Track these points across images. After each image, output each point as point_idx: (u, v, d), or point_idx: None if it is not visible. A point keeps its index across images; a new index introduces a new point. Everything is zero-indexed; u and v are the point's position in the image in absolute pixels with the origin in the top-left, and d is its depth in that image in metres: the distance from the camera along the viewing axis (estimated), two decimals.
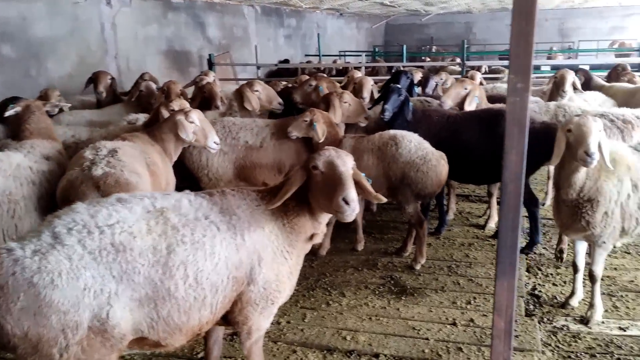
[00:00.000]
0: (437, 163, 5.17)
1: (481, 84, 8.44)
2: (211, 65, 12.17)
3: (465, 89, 6.05)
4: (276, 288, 3.09)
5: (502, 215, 3.38)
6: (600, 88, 7.82)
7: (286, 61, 16.52)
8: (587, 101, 7.22)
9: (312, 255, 5.80)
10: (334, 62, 17.20)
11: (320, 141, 5.39)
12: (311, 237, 3.22)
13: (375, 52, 21.89)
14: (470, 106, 5.97)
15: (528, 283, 5.18)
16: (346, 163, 3.02)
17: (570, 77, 6.46)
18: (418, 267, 5.44)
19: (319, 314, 4.66)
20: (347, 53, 20.71)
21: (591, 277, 4.40)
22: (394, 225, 6.71)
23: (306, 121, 5.51)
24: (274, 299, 3.10)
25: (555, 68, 13.26)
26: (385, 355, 4.05)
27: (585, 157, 3.74)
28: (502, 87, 7.73)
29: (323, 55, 18.29)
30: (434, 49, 23.33)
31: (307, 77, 8.66)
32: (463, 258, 5.72)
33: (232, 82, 11.36)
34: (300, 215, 3.12)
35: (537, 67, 16.57)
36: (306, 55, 19.15)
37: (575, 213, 4.15)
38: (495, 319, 3.46)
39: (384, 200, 3.32)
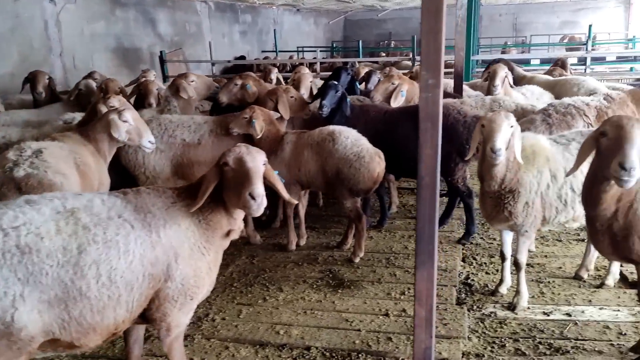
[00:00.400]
0: (371, 160, 5.25)
1: None
2: (163, 62, 12.08)
3: (393, 84, 6.17)
4: (194, 284, 3.12)
5: (418, 207, 3.48)
6: (521, 79, 8.05)
7: (242, 57, 16.49)
8: (525, 94, 7.44)
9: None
10: (290, 57, 17.23)
11: (258, 137, 5.44)
12: (228, 233, 3.26)
13: (333, 48, 22.03)
14: (396, 101, 6.09)
15: (462, 272, 5.32)
16: (255, 159, 3.09)
17: (502, 72, 6.63)
18: (357, 260, 5.53)
19: (255, 309, 4.69)
20: (305, 49, 20.78)
21: (516, 264, 4.56)
22: (338, 219, 6.79)
23: (246, 118, 5.54)
24: (193, 294, 3.14)
25: None
26: (317, 348, 4.11)
27: (490, 153, 3.86)
28: (443, 82, 7.87)
29: (280, 51, 18.33)
30: (392, 44, 23.59)
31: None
32: (402, 250, 5.84)
33: None
34: (215, 211, 3.17)
35: None
36: (263, 51, 19.14)
37: (498, 204, 4.29)
38: (417, 308, 3.58)
39: (295, 202, 3.41)
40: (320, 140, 5.41)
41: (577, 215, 4.39)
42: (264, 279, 5.26)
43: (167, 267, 3.02)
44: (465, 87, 7.41)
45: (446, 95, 6.72)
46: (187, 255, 3.08)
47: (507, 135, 3.89)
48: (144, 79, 6.88)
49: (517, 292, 4.61)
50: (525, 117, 6.09)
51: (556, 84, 7.65)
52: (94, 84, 7.06)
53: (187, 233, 3.09)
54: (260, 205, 2.99)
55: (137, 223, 2.95)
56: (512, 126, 3.91)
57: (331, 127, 5.50)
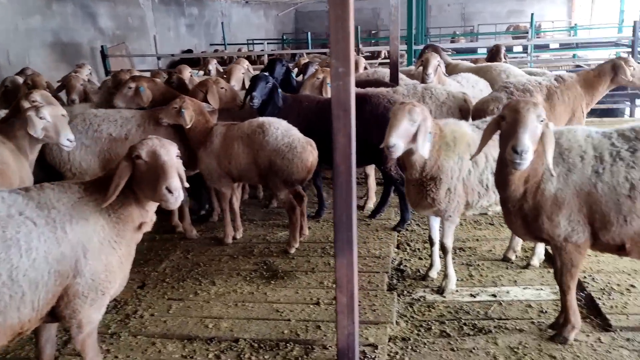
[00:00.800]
0: (303, 150, 5.25)
1: (366, 68, 8.73)
2: (105, 57, 11.81)
3: (318, 78, 6.24)
4: (105, 278, 3.07)
5: (335, 195, 3.50)
6: (446, 66, 8.22)
7: (189, 51, 16.24)
8: (460, 82, 7.56)
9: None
10: (239, 50, 17.07)
11: (187, 127, 5.42)
12: (140, 226, 3.22)
13: (283, 40, 21.94)
14: (327, 94, 6.13)
15: (395, 259, 5.39)
16: (169, 152, 3.06)
17: (434, 61, 6.73)
18: (292, 251, 5.54)
19: (185, 304, 4.64)
20: (255, 41, 20.62)
21: (442, 249, 4.64)
22: (277, 212, 6.78)
23: (175, 108, 5.48)
24: (104, 289, 3.09)
25: (457, 51, 13.86)
26: (245, 340, 4.09)
27: (385, 148, 3.80)
28: (382, 71, 7.96)
29: (229, 44, 18.14)
30: None
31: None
32: None
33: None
34: (126, 204, 3.12)
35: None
36: (211, 44, 18.89)
37: (421, 191, 4.35)
38: (338, 295, 3.60)
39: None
40: (251, 132, 5.38)
41: (499, 199, 4.50)
42: (197, 274, 5.21)
43: (76, 263, 2.96)
44: (402, 75, 7.49)
45: (381, 84, 6.78)
46: (97, 250, 3.03)
47: (406, 130, 3.81)
48: (72, 73, 6.71)
49: (445, 276, 4.70)
50: (456, 104, 6.23)
51: (479, 70, 7.84)
52: (20, 80, 6.83)
53: (96, 227, 3.04)
54: (177, 198, 2.99)
55: (40, 220, 2.88)
56: (415, 122, 3.84)
57: (261, 119, 5.48)
